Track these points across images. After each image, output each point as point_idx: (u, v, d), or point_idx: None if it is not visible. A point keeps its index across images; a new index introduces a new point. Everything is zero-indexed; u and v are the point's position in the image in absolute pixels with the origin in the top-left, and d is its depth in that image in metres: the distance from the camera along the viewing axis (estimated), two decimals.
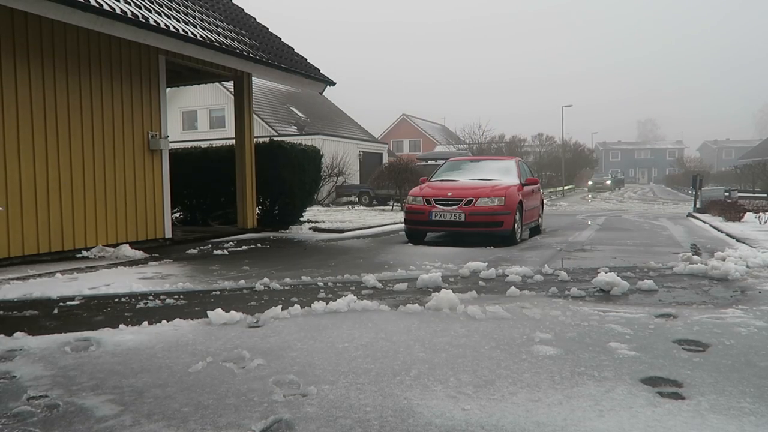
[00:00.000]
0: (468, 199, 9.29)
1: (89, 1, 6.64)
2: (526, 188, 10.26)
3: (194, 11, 9.60)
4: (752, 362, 3.12)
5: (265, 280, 5.61)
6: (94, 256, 7.68)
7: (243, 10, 12.27)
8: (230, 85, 14.90)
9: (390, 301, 4.77)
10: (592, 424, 2.35)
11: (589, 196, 40.69)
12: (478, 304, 4.37)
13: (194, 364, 3.08)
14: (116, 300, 4.96)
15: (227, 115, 30.46)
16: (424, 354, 3.27)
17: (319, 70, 12.02)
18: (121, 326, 3.93)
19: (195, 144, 14.34)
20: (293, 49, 12.05)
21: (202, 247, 8.77)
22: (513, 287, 5.24)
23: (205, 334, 3.75)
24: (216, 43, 8.87)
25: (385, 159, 31.93)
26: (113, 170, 8.37)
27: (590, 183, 56.44)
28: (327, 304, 4.41)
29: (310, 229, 11.84)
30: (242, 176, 11.11)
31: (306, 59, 11.99)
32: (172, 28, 7.96)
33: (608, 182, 59.78)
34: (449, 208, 9.27)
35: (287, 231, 11.47)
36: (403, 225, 10.73)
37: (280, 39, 12.12)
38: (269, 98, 32.31)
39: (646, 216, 17.48)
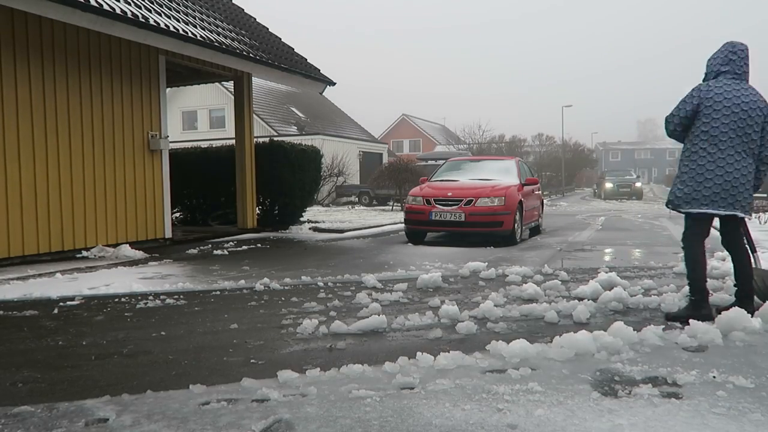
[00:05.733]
0: (468, 199, 9.28)
1: (89, 1, 6.64)
2: (526, 188, 10.26)
3: (194, 11, 9.59)
4: (753, 362, 3.11)
5: (265, 280, 5.61)
6: (94, 256, 7.68)
7: (243, 10, 12.27)
8: (230, 85, 14.91)
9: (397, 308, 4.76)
10: (592, 424, 2.34)
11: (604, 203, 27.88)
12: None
13: None
14: (116, 300, 4.96)
15: (227, 115, 30.44)
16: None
17: (319, 70, 12.02)
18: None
19: (195, 144, 14.33)
20: (293, 49, 12.05)
21: (202, 247, 8.77)
22: (513, 286, 5.25)
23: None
24: (216, 43, 8.87)
25: (385, 159, 31.92)
26: (113, 170, 8.36)
27: (609, 186, 33.61)
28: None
29: (310, 229, 11.84)
30: (242, 176, 11.10)
31: (306, 59, 11.98)
32: (172, 28, 7.96)
33: (638, 185, 34.63)
34: (449, 208, 9.27)
35: (287, 231, 11.47)
36: (403, 225, 10.73)
37: (280, 39, 12.12)
38: (269, 98, 32.31)
39: (645, 216, 17.47)
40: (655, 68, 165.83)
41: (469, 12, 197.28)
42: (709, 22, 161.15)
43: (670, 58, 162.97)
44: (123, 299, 4.98)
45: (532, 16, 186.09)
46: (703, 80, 4.28)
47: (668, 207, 4.26)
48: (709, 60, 4.28)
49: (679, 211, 4.19)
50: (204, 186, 11.91)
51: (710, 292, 4.30)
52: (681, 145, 4.30)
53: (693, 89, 4.19)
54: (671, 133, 4.29)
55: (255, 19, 12.25)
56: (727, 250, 4.34)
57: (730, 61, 4.16)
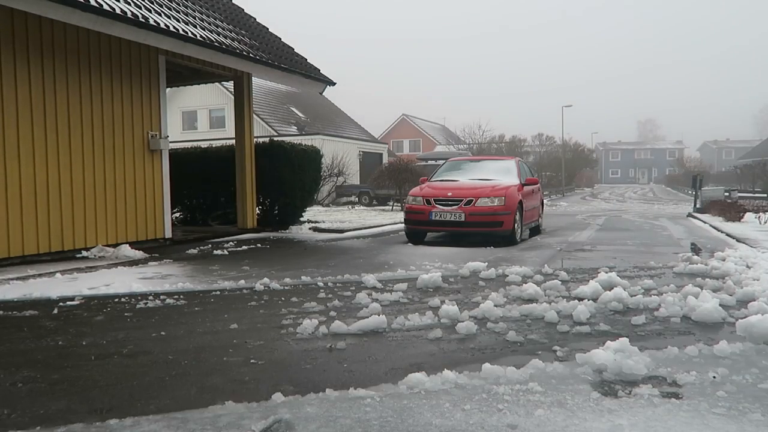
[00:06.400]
0: (468, 199, 9.28)
1: (89, 1, 6.63)
2: (526, 188, 10.26)
3: (194, 11, 9.59)
4: (753, 362, 3.11)
5: (265, 280, 5.61)
6: (94, 256, 7.68)
7: (243, 10, 12.26)
8: (230, 85, 14.91)
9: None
10: (592, 424, 2.34)
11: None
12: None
13: None
14: (116, 300, 4.96)
15: (227, 115, 30.43)
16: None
17: (319, 70, 12.02)
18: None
19: (195, 144, 14.32)
20: (293, 49, 12.04)
21: (202, 247, 8.77)
22: (513, 286, 5.24)
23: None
24: (216, 43, 8.87)
25: (385, 159, 31.93)
26: (113, 170, 8.36)
27: None
28: None
29: (310, 229, 11.84)
30: (242, 176, 11.10)
31: (306, 59, 11.98)
32: (172, 28, 7.96)
33: None
34: (449, 208, 9.26)
35: (287, 231, 11.46)
36: (403, 225, 10.73)
37: (280, 39, 12.12)
38: (269, 98, 32.30)
39: (645, 216, 17.47)
40: (656, 78, 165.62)
41: (468, 23, 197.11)
42: (712, 34, 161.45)
43: (671, 69, 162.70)
44: (123, 299, 4.97)
45: (539, 28, 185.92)
46: None
47: None
48: None
49: None
50: (204, 186, 11.90)
51: None
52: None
53: None
54: None
55: (255, 19, 12.25)
56: None
57: None
